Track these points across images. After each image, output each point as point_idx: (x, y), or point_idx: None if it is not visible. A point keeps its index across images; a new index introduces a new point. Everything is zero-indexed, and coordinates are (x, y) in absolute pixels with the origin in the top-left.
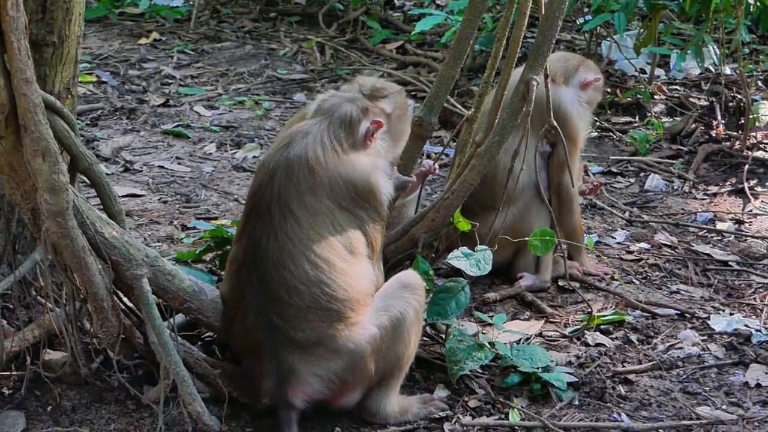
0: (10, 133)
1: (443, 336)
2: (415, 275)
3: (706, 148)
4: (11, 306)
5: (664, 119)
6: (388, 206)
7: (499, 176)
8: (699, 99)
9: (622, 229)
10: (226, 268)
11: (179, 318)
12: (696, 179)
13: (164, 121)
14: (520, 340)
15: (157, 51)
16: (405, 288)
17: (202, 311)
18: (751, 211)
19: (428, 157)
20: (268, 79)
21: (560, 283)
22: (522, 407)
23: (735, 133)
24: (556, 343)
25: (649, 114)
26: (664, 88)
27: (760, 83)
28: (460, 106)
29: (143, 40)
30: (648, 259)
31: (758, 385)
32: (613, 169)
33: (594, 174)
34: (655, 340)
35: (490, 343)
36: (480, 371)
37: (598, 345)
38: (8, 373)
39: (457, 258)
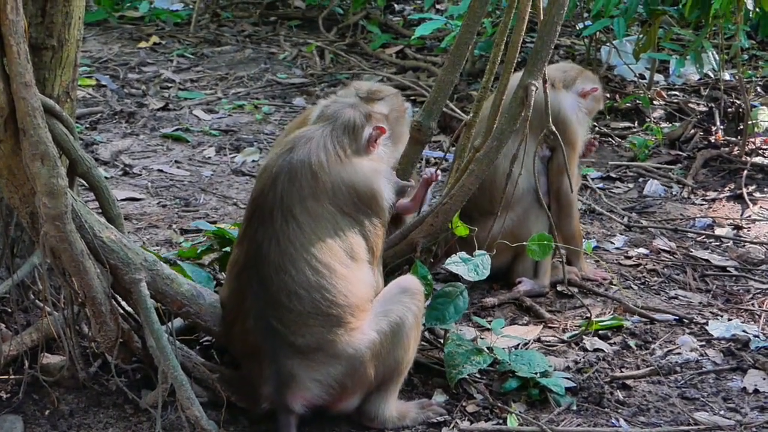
0: (9, 136)
1: (442, 341)
2: (414, 280)
3: (705, 154)
4: (9, 310)
5: (663, 125)
6: (389, 211)
7: (497, 181)
8: (698, 104)
9: (621, 234)
10: (227, 272)
11: (178, 322)
12: (695, 185)
13: (163, 124)
14: (518, 345)
15: (157, 55)
16: (404, 293)
17: (201, 315)
18: (749, 216)
19: (428, 162)
20: (267, 83)
21: (559, 288)
22: (520, 412)
23: (734, 139)
24: (554, 348)
25: (648, 119)
26: (663, 93)
27: (759, 89)
28: (459, 111)
29: (143, 44)
30: (646, 264)
31: (756, 391)
32: (612, 175)
33: (593, 179)
34: (653, 346)
35: (488, 348)
36: (478, 376)
37: (596, 350)
38: (6, 376)
39: (456, 263)
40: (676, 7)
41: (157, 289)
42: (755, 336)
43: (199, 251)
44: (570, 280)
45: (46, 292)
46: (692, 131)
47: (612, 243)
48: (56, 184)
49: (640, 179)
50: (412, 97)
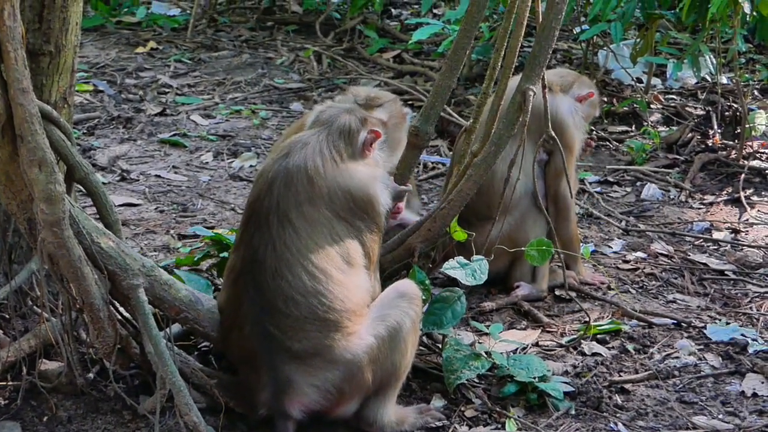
0: (7, 142)
1: (440, 345)
2: (412, 285)
3: (703, 158)
4: (7, 316)
5: (661, 128)
6: (385, 216)
7: (495, 185)
8: (695, 108)
9: (619, 238)
10: (224, 278)
11: (175, 327)
12: (692, 188)
13: (161, 130)
14: (516, 349)
15: (154, 60)
16: (402, 297)
17: (199, 321)
18: (747, 220)
19: (425, 167)
20: (264, 88)
21: (557, 292)
22: (518, 417)
23: (731, 143)
24: (552, 352)
25: (645, 123)
26: (661, 97)
27: (756, 92)
28: (456, 116)
29: (140, 49)
30: (644, 268)
31: (755, 395)
32: (610, 179)
33: (590, 183)
34: (651, 350)
35: (486, 353)
36: (477, 381)
37: (594, 354)
38: (4, 383)
39: (453, 268)
40: (673, 11)
41: (155, 295)
42: (753, 339)
43: (196, 258)
44: (568, 284)
45: (44, 298)
46: (689, 135)
47: (610, 247)
48: (54, 190)
49: (638, 183)
50: (410, 102)
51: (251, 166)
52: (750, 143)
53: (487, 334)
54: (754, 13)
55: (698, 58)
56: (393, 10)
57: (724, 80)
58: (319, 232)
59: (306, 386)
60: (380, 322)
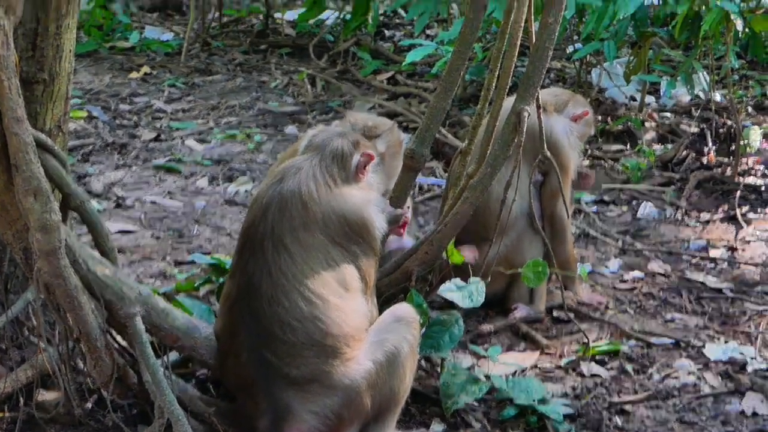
0: (2, 172)
1: (439, 369)
2: (409, 309)
3: (698, 175)
4: (4, 346)
5: (656, 146)
6: (381, 240)
7: (491, 207)
8: (690, 126)
9: (616, 257)
10: (220, 305)
11: (173, 355)
12: (688, 206)
13: (156, 155)
14: (515, 372)
15: (148, 85)
16: (399, 322)
17: (196, 349)
18: (743, 237)
19: (421, 189)
20: (259, 111)
21: (555, 313)
22: None
23: (726, 160)
24: (551, 374)
25: (640, 141)
26: (655, 115)
27: (750, 109)
28: (451, 137)
29: (134, 74)
30: (642, 287)
31: (754, 414)
32: (606, 198)
33: (586, 203)
34: (650, 370)
35: (485, 376)
36: (476, 404)
37: (593, 375)
38: (1, 414)
39: (450, 290)
40: (665, 29)
41: (152, 323)
42: (752, 358)
43: (197, 284)
44: (566, 305)
45: (41, 328)
46: (684, 153)
47: (607, 267)
48: (49, 219)
49: (634, 202)
50: (404, 123)
51: (247, 190)
52: (745, 160)
53: (485, 356)
54: (747, 30)
55: (692, 76)
56: (386, 31)
57: (718, 97)
58: (314, 258)
59: (304, 413)
60: (378, 346)
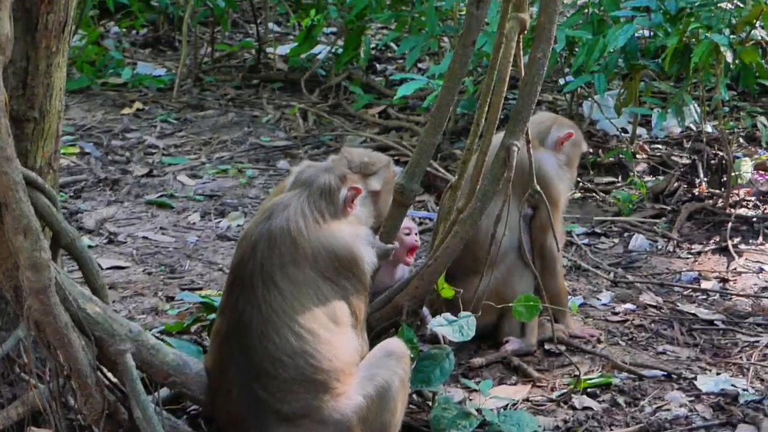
0: None
1: (430, 403)
2: (400, 343)
3: (689, 207)
4: None
5: (647, 178)
6: (371, 275)
7: (481, 240)
8: (681, 157)
9: (607, 290)
10: (210, 342)
11: (164, 391)
12: (680, 238)
13: (148, 191)
14: (507, 405)
15: (140, 120)
16: (390, 356)
17: (187, 385)
18: (735, 269)
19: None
20: (251, 146)
21: (546, 346)
22: None
23: (717, 191)
24: (543, 407)
25: (631, 174)
26: (646, 147)
27: (741, 140)
28: (443, 170)
29: (126, 110)
30: (633, 320)
31: None
32: (597, 230)
33: (578, 235)
34: (642, 402)
35: (477, 410)
36: None
37: (585, 408)
38: None
39: (441, 324)
40: (656, 61)
41: (143, 360)
42: (744, 390)
43: (186, 324)
44: (558, 337)
45: (32, 365)
46: (676, 184)
47: (598, 299)
48: (39, 257)
49: (625, 234)
50: (396, 157)
51: (239, 225)
52: (736, 191)
53: (477, 390)
54: (737, 62)
55: (682, 108)
56: (378, 65)
57: (709, 129)
58: (304, 293)
59: None
60: (369, 381)
